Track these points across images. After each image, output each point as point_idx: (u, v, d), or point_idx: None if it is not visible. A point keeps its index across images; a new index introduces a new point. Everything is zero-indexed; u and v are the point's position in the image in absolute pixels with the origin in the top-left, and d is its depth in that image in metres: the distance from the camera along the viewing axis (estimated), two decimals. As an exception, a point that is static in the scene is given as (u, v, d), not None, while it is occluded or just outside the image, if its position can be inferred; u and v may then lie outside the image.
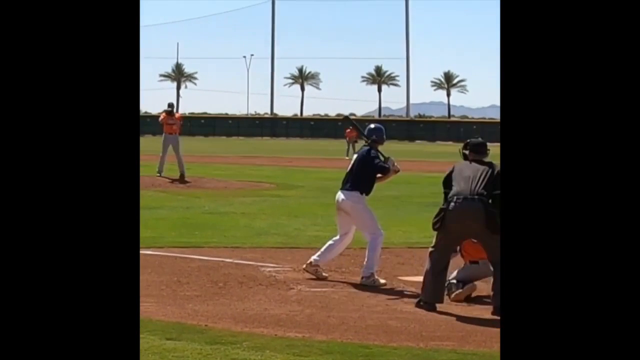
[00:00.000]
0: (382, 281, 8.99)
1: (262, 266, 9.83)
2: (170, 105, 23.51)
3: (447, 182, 7.99)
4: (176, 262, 9.97)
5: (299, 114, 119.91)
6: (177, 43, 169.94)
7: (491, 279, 7.99)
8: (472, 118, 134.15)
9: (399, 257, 10.64)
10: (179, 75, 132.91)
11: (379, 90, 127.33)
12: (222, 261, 10.10)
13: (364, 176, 9.21)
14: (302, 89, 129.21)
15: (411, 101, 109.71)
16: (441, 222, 7.82)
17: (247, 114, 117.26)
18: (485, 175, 7.81)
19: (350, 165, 9.42)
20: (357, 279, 9.03)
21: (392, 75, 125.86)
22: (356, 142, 39.40)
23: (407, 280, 9.21)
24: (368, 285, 8.82)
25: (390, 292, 8.69)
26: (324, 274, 9.21)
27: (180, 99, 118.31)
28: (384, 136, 9.57)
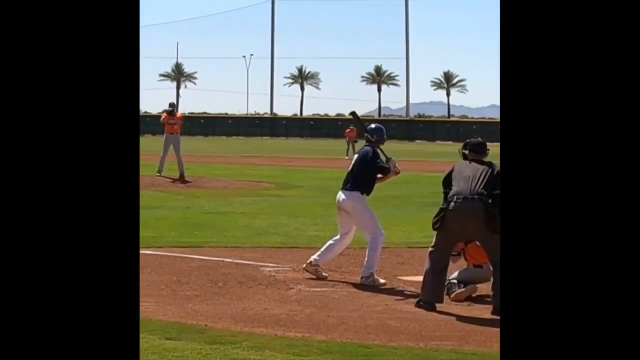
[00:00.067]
0: (382, 281, 8.99)
1: (262, 266, 9.82)
2: (172, 105, 23.50)
3: (447, 182, 7.99)
4: (176, 262, 9.97)
5: (299, 114, 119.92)
6: (177, 43, 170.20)
7: (491, 279, 7.99)
8: (472, 118, 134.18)
9: (399, 257, 10.64)
10: (179, 75, 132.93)
11: (379, 90, 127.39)
12: (222, 261, 10.10)
13: (364, 176, 9.21)
14: (302, 89, 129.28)
15: (411, 101, 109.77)
16: (441, 222, 7.82)
17: (247, 114, 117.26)
18: (485, 175, 7.81)
19: (351, 166, 9.43)
20: (357, 279, 9.03)
21: (392, 75, 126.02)
22: (356, 142, 39.38)
23: (407, 280, 9.21)
24: (368, 285, 8.82)
25: (390, 292, 8.69)
26: (324, 274, 9.21)
27: (180, 99, 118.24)
28: (385, 136, 9.57)
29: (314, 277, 9.12)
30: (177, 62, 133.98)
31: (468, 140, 8.38)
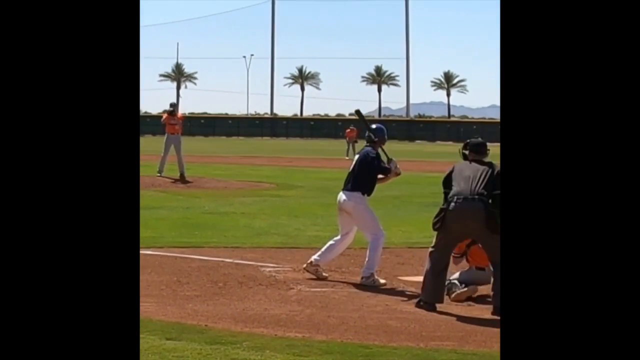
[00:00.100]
0: (382, 281, 8.99)
1: (262, 266, 9.82)
2: (172, 105, 23.51)
3: (447, 182, 7.99)
4: (176, 262, 9.97)
5: (299, 114, 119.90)
6: (177, 43, 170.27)
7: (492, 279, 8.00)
8: (472, 118, 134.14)
9: (399, 257, 10.64)
10: (179, 75, 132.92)
11: (379, 90, 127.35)
12: (222, 261, 10.10)
13: (365, 177, 9.21)
14: (302, 89, 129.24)
15: (411, 101, 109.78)
16: (441, 222, 7.82)
17: (247, 114, 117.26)
18: (485, 175, 7.81)
19: (351, 166, 9.42)
20: (357, 279, 9.04)
21: (392, 75, 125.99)
22: (356, 142, 39.39)
23: (407, 280, 9.21)
24: (368, 285, 8.82)
25: (390, 292, 8.69)
26: (324, 274, 9.21)
27: (180, 99, 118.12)
28: (386, 136, 9.56)
29: (314, 277, 9.12)
30: (177, 62, 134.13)
31: (468, 140, 8.38)
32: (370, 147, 9.39)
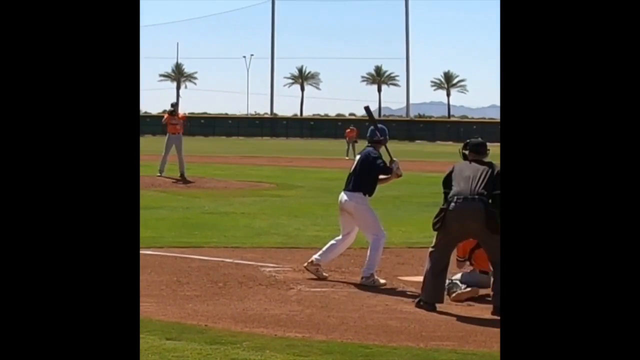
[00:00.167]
0: (382, 281, 8.99)
1: (262, 266, 9.83)
2: (173, 105, 23.52)
3: (447, 182, 7.99)
4: (176, 262, 9.97)
5: (299, 114, 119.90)
6: (177, 43, 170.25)
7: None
8: (472, 118, 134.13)
9: (399, 257, 10.64)
10: (179, 75, 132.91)
11: (379, 90, 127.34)
12: (222, 261, 10.10)
13: (366, 177, 9.20)
14: (302, 89, 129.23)
15: (411, 101, 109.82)
16: (441, 222, 7.82)
17: (247, 114, 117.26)
18: (485, 175, 7.81)
19: (353, 166, 9.42)
20: (357, 279, 9.04)
21: (392, 75, 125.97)
22: (356, 142, 39.41)
23: (407, 280, 9.21)
24: (368, 285, 8.82)
25: (390, 292, 8.69)
26: (324, 273, 9.21)
27: (180, 99, 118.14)
28: (387, 137, 9.56)
29: (314, 276, 9.12)
30: (177, 62, 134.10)
31: (468, 140, 8.38)
32: (371, 147, 9.38)
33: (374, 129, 9.42)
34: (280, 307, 7.73)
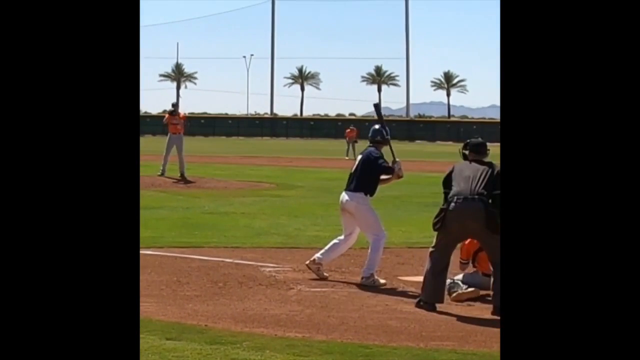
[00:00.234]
0: (382, 281, 8.99)
1: (262, 266, 9.83)
2: (174, 105, 23.54)
3: (447, 182, 7.99)
4: (176, 262, 9.97)
5: (298, 114, 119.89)
6: (177, 43, 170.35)
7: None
8: (472, 118, 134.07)
9: (399, 257, 10.64)
10: (179, 75, 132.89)
11: (379, 90, 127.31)
12: (222, 261, 10.10)
13: (368, 177, 9.19)
14: (302, 89, 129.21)
15: (411, 101, 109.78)
16: (441, 222, 7.82)
17: (247, 114, 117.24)
18: (485, 175, 7.81)
19: (354, 166, 9.41)
20: (357, 279, 9.04)
21: (392, 75, 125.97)
22: (356, 142, 39.41)
23: (407, 280, 9.21)
24: (368, 285, 8.82)
25: (390, 292, 8.69)
26: (325, 273, 9.22)
27: (180, 99, 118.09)
28: (388, 137, 9.54)
29: (314, 276, 9.12)
30: (177, 62, 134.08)
31: (468, 140, 8.38)
32: (373, 147, 9.37)
33: (381, 128, 9.40)
34: (280, 307, 7.73)
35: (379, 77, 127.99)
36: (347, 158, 36.20)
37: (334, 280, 9.16)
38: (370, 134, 9.46)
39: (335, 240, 9.39)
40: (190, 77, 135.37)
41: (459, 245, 8.49)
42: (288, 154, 44.27)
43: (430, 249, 8.01)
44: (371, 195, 9.22)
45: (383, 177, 9.31)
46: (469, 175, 7.85)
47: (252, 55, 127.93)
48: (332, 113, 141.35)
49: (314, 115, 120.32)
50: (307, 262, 9.26)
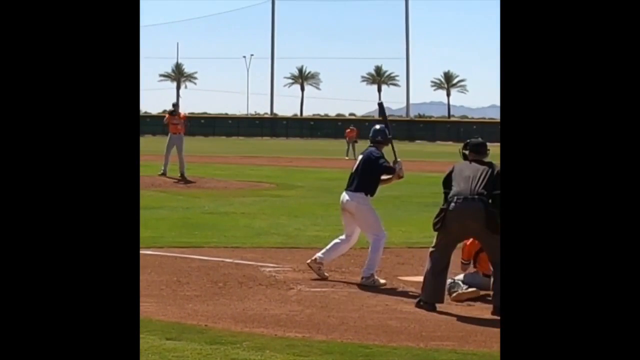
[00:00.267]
0: (382, 281, 8.99)
1: (262, 266, 9.83)
2: (174, 105, 23.53)
3: (447, 182, 7.99)
4: (176, 262, 9.97)
5: (298, 114, 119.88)
6: (177, 43, 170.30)
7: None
8: (472, 118, 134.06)
9: (399, 257, 10.64)
10: (179, 75, 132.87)
11: (379, 90, 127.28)
12: (222, 261, 10.10)
13: (368, 177, 9.19)
14: (302, 89, 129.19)
15: (411, 101, 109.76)
16: (441, 222, 7.82)
17: (247, 114, 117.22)
18: (485, 175, 7.81)
19: (355, 166, 9.40)
20: (357, 279, 9.04)
21: (392, 75, 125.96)
22: (356, 142, 39.41)
23: (407, 280, 9.21)
24: (368, 285, 8.82)
25: (390, 292, 8.69)
26: (325, 273, 9.22)
27: (180, 99, 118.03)
28: (389, 137, 9.54)
29: (315, 276, 9.12)
30: (177, 62, 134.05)
31: (468, 140, 8.38)
32: (374, 147, 9.36)
33: (382, 128, 9.40)
34: (280, 307, 7.73)
35: (379, 77, 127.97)
36: (347, 158, 36.20)
37: (334, 280, 9.16)
38: (371, 134, 9.45)
39: (336, 240, 9.39)
40: (190, 77, 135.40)
41: (459, 246, 8.49)
42: (288, 154, 44.27)
43: (431, 249, 8.01)
44: (372, 195, 9.22)
45: (384, 177, 9.31)
46: (469, 175, 7.85)
47: (252, 55, 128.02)
48: (332, 113, 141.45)
49: (314, 115, 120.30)
50: (309, 261, 9.26)
